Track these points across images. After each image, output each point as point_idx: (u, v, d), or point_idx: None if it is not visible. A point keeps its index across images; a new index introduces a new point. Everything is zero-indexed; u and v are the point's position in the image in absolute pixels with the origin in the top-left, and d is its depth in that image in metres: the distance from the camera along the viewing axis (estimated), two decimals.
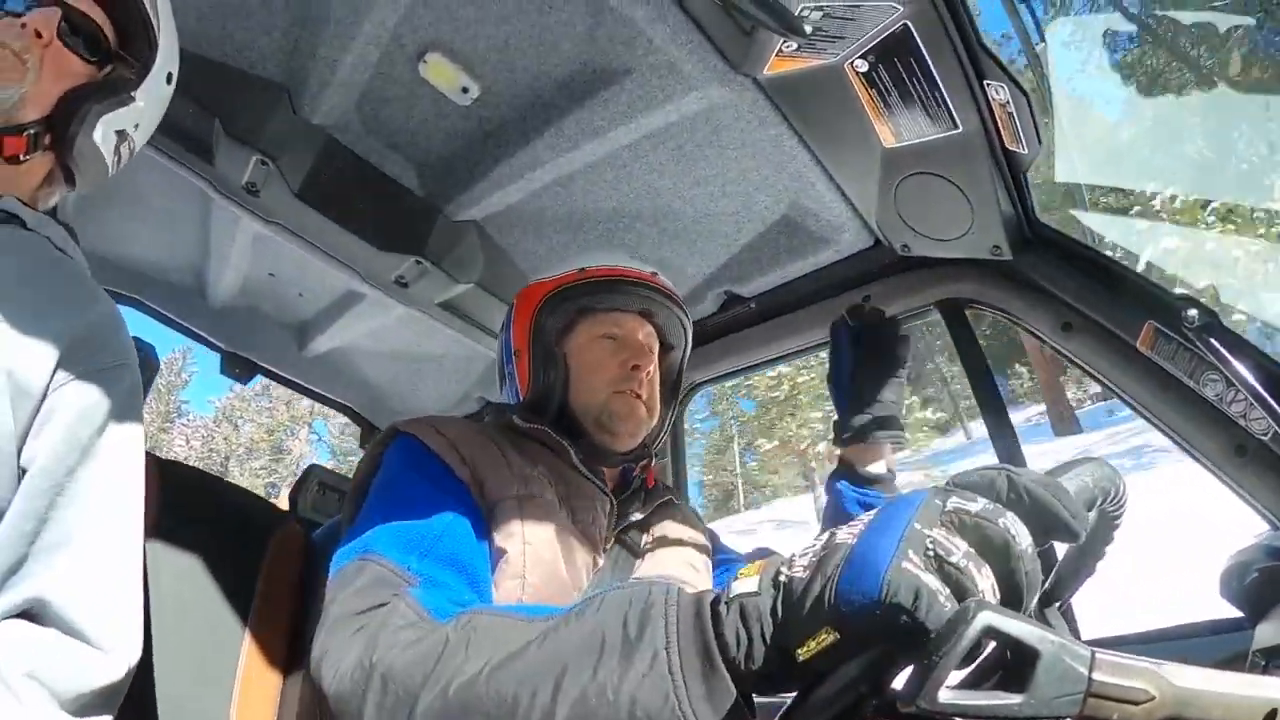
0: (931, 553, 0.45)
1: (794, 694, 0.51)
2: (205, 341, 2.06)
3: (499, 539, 0.89)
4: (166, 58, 0.91)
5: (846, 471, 1.26)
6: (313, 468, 1.92)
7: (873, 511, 0.51)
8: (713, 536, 1.22)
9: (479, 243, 1.68)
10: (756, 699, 0.55)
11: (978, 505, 0.47)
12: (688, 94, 1.21)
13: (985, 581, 0.45)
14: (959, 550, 0.45)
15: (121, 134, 0.87)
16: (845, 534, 0.50)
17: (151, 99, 0.89)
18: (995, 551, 0.46)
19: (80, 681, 0.63)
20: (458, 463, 0.94)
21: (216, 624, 0.90)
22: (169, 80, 0.93)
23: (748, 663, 0.50)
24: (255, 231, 1.60)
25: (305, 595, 0.99)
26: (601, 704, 0.51)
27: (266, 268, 1.80)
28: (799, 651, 0.48)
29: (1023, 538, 0.46)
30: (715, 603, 0.53)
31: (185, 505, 0.94)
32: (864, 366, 1.30)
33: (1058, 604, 0.74)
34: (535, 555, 0.89)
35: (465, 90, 1.32)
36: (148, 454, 0.98)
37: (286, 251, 1.66)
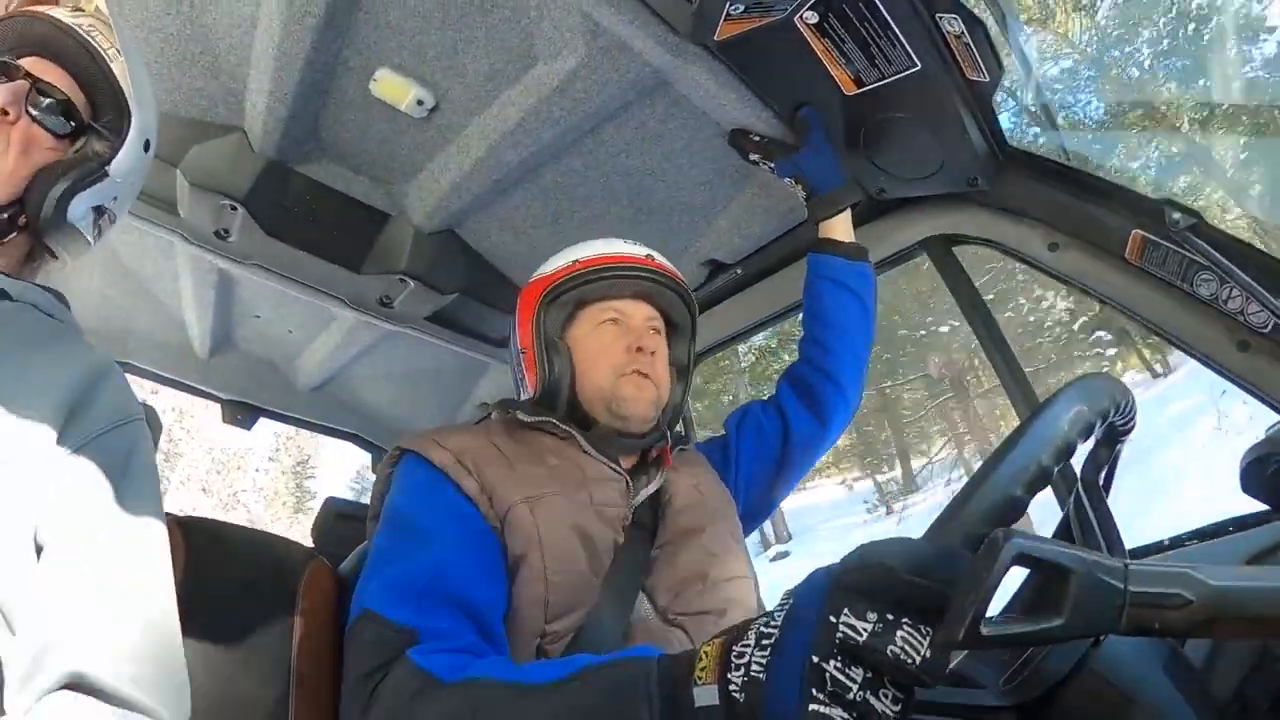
0: (830, 689, 0.49)
1: None
2: (202, 393, 2.05)
3: (516, 544, 0.90)
4: (143, 126, 0.87)
5: (821, 244, 1.34)
6: (330, 500, 1.92)
7: (779, 622, 0.55)
8: (719, 452, 1.29)
9: (457, 251, 1.68)
10: None
11: (866, 630, 0.49)
12: (642, 70, 1.20)
13: (883, 703, 0.48)
14: (855, 684, 0.48)
15: (99, 209, 0.84)
16: (758, 666, 0.54)
17: (128, 169, 0.86)
18: (890, 672, 0.48)
19: None
20: (464, 475, 0.94)
21: (262, 671, 0.90)
22: (147, 148, 0.90)
23: None
24: (233, 275, 1.59)
25: (344, 627, 0.99)
26: None
27: (250, 310, 1.79)
28: None
29: (915, 652, 0.47)
30: (688, 692, 0.58)
31: (212, 558, 0.94)
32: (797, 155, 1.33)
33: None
34: (554, 554, 0.90)
35: (420, 102, 1.30)
36: (169, 514, 0.98)
37: (268, 290, 1.65)
